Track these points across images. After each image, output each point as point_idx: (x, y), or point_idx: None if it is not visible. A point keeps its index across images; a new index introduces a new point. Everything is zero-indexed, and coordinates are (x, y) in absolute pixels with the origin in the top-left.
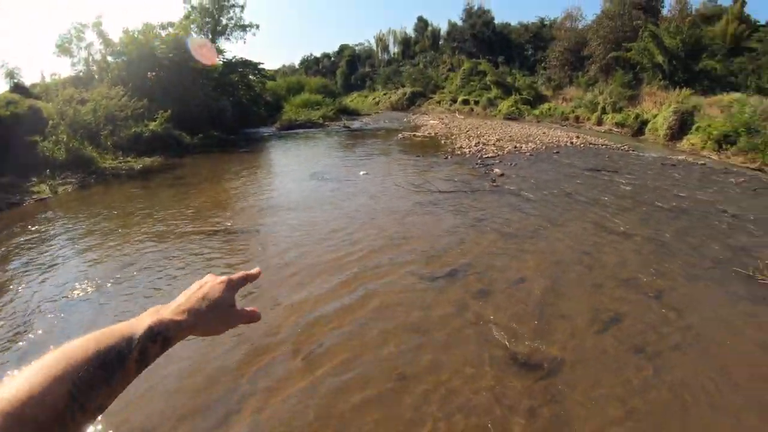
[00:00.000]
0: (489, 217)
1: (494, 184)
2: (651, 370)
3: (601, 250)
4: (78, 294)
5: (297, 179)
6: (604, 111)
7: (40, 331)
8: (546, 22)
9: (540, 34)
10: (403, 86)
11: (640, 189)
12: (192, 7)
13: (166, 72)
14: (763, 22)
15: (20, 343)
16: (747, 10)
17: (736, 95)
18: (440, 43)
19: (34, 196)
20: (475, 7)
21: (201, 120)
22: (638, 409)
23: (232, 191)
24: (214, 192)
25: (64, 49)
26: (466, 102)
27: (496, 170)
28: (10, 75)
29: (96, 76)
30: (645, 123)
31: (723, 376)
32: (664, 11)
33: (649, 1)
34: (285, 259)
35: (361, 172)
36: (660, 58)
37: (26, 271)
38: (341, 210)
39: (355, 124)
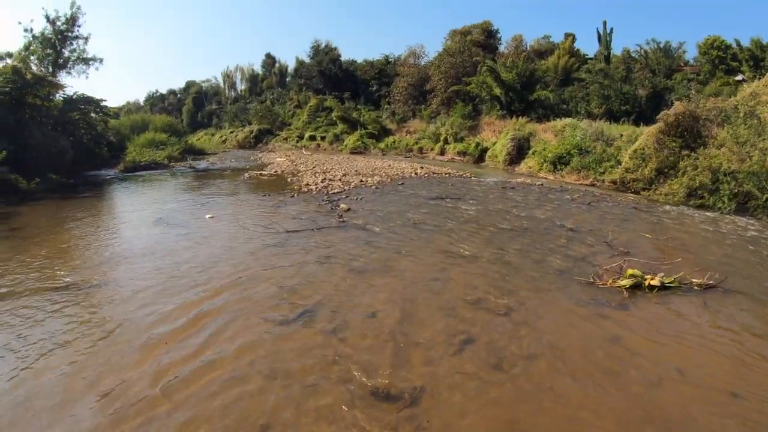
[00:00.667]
0: (337, 253)
1: (341, 219)
2: (511, 383)
3: (448, 276)
4: None
5: (141, 226)
6: (446, 141)
7: None
8: (390, 59)
9: (385, 71)
10: (250, 123)
11: (483, 213)
12: (33, 36)
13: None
14: (591, 55)
15: None
16: (576, 45)
17: (568, 120)
18: (287, 79)
19: None
20: (323, 45)
21: (39, 162)
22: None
23: (74, 241)
24: (55, 242)
25: None
26: (312, 138)
27: (343, 205)
28: None
29: None
30: (485, 150)
31: (578, 374)
32: (501, 48)
33: (488, 39)
34: (125, 314)
35: (208, 216)
36: (498, 91)
37: None
38: (184, 258)
39: (202, 165)
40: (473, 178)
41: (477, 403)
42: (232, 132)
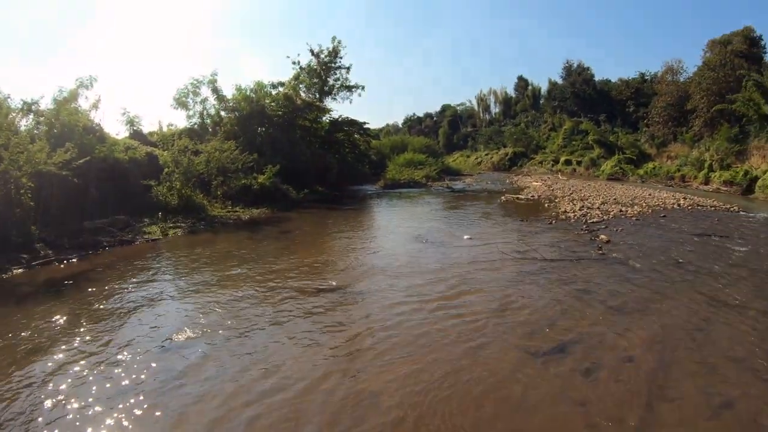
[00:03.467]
0: (595, 288)
1: (600, 251)
2: None
3: (712, 326)
4: (181, 339)
5: (401, 241)
6: (710, 168)
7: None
8: (647, 77)
9: (641, 90)
10: (505, 146)
11: (754, 255)
12: (300, 68)
13: (275, 129)
14: None
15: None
16: None
17: None
18: (541, 102)
19: (145, 236)
20: (575, 65)
21: (307, 176)
22: None
23: (336, 249)
24: (319, 248)
25: (181, 102)
26: (568, 162)
27: (602, 236)
28: (131, 122)
29: (209, 129)
30: (755, 180)
31: None
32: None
33: (750, 48)
34: (386, 328)
35: (465, 237)
36: (767, 109)
37: (134, 308)
38: (445, 277)
39: (458, 185)
40: (741, 212)
41: None
42: (487, 154)
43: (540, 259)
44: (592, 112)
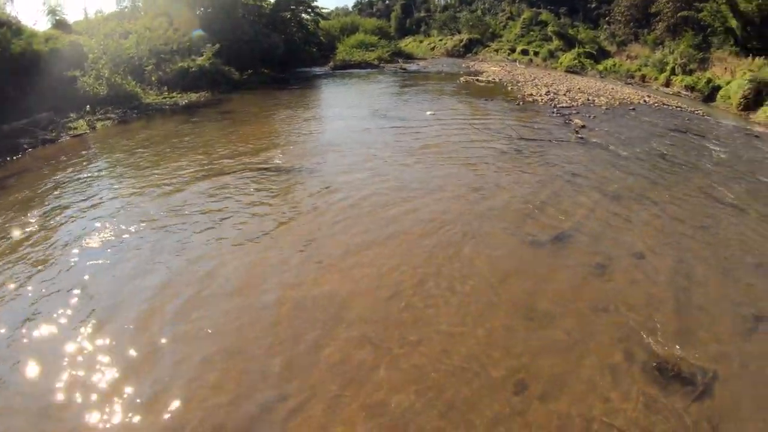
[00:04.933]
0: (584, 172)
1: (578, 135)
2: None
3: (718, 225)
4: (126, 235)
5: (357, 116)
6: (673, 72)
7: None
8: None
9: None
10: (460, 33)
11: (735, 158)
12: None
13: (213, 7)
14: None
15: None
16: None
17: None
18: None
19: (70, 132)
20: None
21: (251, 57)
22: None
23: (285, 127)
24: (265, 127)
25: None
26: (525, 52)
27: (576, 121)
28: (53, 12)
29: (142, 13)
30: (717, 89)
31: None
32: None
33: None
34: (345, 211)
35: (428, 113)
36: (733, 23)
37: (64, 209)
38: (415, 153)
39: (412, 67)
40: (707, 117)
41: None
42: (441, 40)
43: (516, 137)
44: (553, 4)
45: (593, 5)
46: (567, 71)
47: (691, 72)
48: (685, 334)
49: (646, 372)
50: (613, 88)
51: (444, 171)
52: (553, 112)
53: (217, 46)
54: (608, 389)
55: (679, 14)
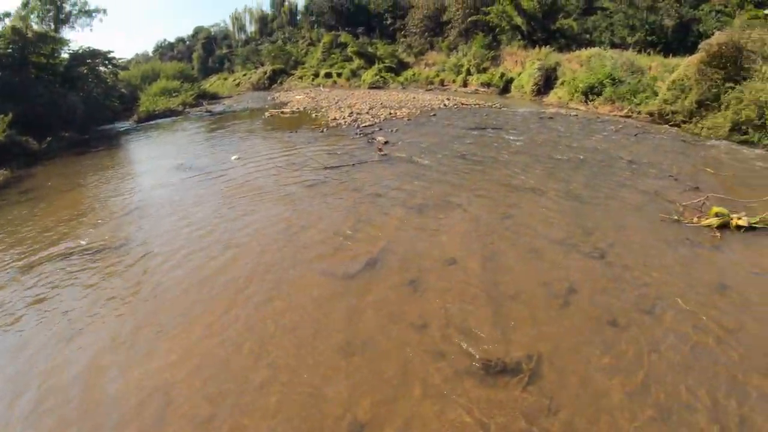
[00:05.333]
0: (388, 190)
1: (382, 153)
2: (632, 343)
3: (521, 211)
4: None
5: (163, 174)
6: (469, 72)
7: None
8: None
9: (399, 3)
10: (263, 65)
11: (531, 144)
12: None
13: (3, 70)
14: None
15: None
16: None
17: (594, 50)
18: (298, 18)
19: None
20: None
21: (49, 121)
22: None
23: (92, 197)
24: (72, 202)
25: None
26: (329, 75)
27: (380, 138)
28: None
29: None
30: (510, 81)
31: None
32: None
33: None
34: (161, 277)
35: (233, 157)
36: (518, 20)
37: None
38: (217, 204)
39: (218, 108)
40: (504, 108)
41: (602, 370)
42: (245, 74)
43: (321, 167)
44: (351, 25)
45: (389, 22)
46: (370, 88)
47: (485, 70)
48: (503, 327)
49: (473, 376)
50: (414, 97)
51: (252, 217)
52: (356, 133)
53: (10, 115)
54: (442, 410)
55: (469, 19)
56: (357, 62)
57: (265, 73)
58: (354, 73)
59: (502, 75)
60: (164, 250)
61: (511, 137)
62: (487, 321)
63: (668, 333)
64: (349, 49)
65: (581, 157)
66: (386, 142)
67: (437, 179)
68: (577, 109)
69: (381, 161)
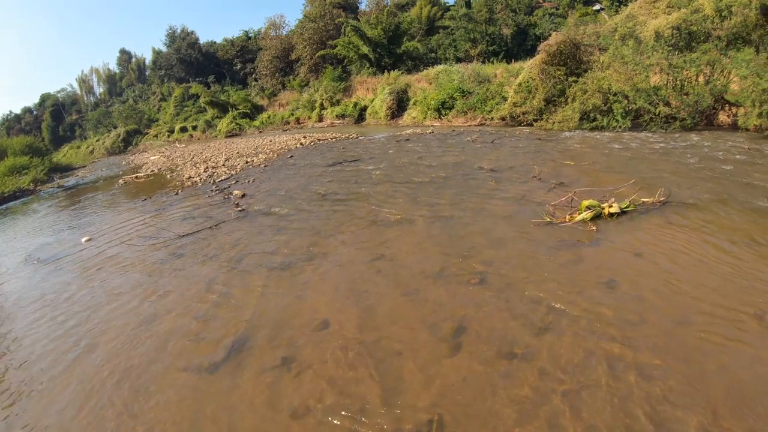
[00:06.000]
0: (248, 251)
1: (239, 208)
2: (535, 371)
3: (392, 248)
4: None
5: (4, 272)
6: (322, 107)
7: None
8: (251, 35)
9: (247, 47)
10: (116, 127)
11: (391, 170)
12: None
13: None
14: (451, 2)
15: None
16: None
17: (441, 67)
18: (147, 73)
19: None
20: (178, 30)
21: None
22: None
23: None
24: None
25: None
26: (184, 129)
27: (236, 192)
28: None
29: None
30: (364, 109)
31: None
32: (362, 6)
33: (347, 0)
34: None
35: (84, 239)
36: (365, 49)
37: None
38: (62, 305)
39: (71, 181)
40: (360, 137)
41: (511, 413)
42: (98, 140)
43: (174, 237)
44: (202, 75)
45: (239, 67)
46: (227, 136)
47: (338, 102)
48: (393, 393)
49: None
50: (271, 141)
51: (99, 315)
52: (212, 190)
53: None
54: None
55: (317, 54)
56: (211, 112)
57: (119, 135)
58: (209, 124)
59: (356, 104)
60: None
61: (370, 167)
62: (374, 391)
63: (571, 348)
64: (201, 100)
65: (443, 174)
66: (243, 195)
67: (299, 229)
68: (432, 125)
69: (239, 218)
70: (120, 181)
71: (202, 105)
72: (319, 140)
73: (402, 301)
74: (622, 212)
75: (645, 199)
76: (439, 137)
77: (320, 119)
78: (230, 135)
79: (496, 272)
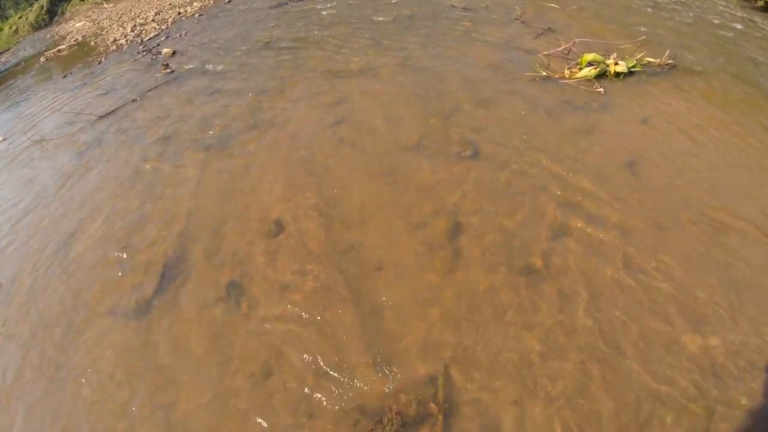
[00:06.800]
0: (177, 126)
1: (167, 70)
2: (562, 297)
3: (354, 108)
4: None
5: None
6: None
7: None
8: None
9: None
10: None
11: (345, 8)
12: None
13: None
14: None
15: None
16: None
17: None
18: None
19: None
20: None
21: None
22: None
23: None
24: None
25: None
26: None
27: (166, 50)
28: None
29: None
30: None
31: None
32: None
33: None
34: None
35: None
36: None
37: None
38: None
39: None
40: None
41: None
42: (20, 17)
43: (93, 120)
44: None
45: None
46: None
47: None
48: (381, 338)
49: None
50: None
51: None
52: (139, 51)
53: None
54: None
55: None
56: None
57: (42, 6)
58: None
59: None
60: None
61: (319, 5)
62: (355, 333)
63: (599, 261)
64: None
65: (407, 13)
66: (174, 54)
67: (238, 89)
68: None
69: (168, 82)
70: (41, 59)
71: None
72: None
73: (375, 186)
74: (629, 72)
75: (650, 59)
76: None
77: None
78: None
79: (490, 141)
